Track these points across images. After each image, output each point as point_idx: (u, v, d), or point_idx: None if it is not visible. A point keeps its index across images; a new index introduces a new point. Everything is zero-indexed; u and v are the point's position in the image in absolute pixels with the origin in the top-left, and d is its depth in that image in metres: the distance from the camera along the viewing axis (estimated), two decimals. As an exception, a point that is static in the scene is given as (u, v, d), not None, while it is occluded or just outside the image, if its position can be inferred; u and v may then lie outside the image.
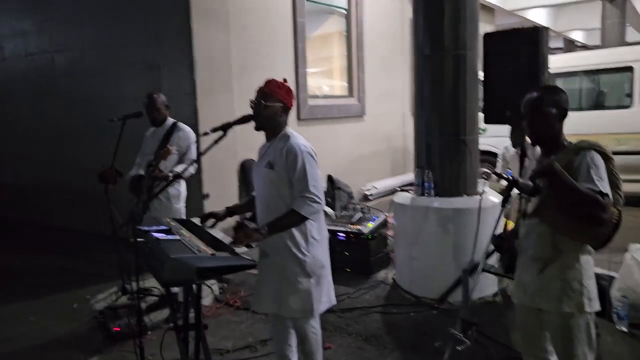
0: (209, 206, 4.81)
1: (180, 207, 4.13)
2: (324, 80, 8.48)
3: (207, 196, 4.92)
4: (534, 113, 2.14)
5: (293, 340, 3.02)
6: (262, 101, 2.67)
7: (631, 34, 15.54)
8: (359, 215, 4.97)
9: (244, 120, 2.70)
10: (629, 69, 6.89)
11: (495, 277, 4.15)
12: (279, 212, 2.66)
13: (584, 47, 20.17)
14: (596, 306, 2.11)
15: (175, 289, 4.31)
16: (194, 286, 2.64)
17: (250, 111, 2.73)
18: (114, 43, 6.28)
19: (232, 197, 6.08)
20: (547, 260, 2.12)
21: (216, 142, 2.62)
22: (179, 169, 4.11)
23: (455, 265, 3.99)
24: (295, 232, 2.68)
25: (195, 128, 4.78)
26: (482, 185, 4.42)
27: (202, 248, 2.43)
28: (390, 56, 9.44)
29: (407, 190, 4.50)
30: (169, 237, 2.59)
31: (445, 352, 1.97)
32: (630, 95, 7.00)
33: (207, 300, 4.42)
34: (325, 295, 2.84)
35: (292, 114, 3.56)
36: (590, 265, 2.13)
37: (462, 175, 4.10)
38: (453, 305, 4.00)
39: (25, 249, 6.44)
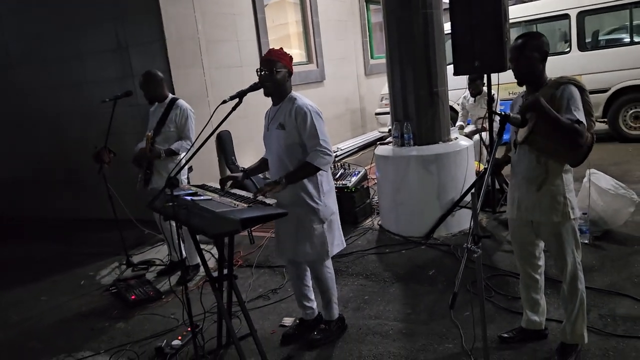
0: (193, 177, 5.05)
1: (182, 179, 4.35)
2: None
3: (190, 169, 5.13)
4: (520, 57, 2.54)
5: (309, 281, 3.40)
6: (273, 68, 2.93)
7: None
8: (341, 171, 5.35)
9: (255, 87, 2.96)
10: (566, 17, 7.49)
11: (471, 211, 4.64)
12: (293, 167, 2.98)
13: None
14: (577, 213, 2.59)
15: (183, 255, 4.61)
16: (226, 239, 2.97)
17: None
18: (74, 27, 6.25)
19: (211, 167, 6.32)
20: (537, 179, 2.56)
21: (233, 109, 2.87)
22: (174, 146, 4.34)
23: (438, 204, 4.45)
24: (308, 184, 3.02)
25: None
26: (453, 132, 4.87)
27: (236, 203, 2.73)
28: (342, 20, 9.73)
29: (386, 144, 4.87)
30: (201, 197, 2.88)
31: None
32: (567, 41, 7.63)
33: (210, 262, 4.71)
34: (338, 238, 3.23)
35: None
36: (570, 181, 2.59)
37: (437, 124, 4.52)
38: (438, 240, 4.48)
39: (13, 240, 6.49)
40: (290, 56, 3.04)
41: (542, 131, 2.44)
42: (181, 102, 4.37)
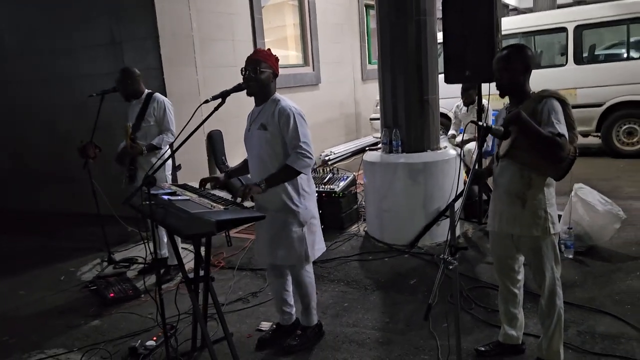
0: (181, 176, 5.01)
1: (166, 175, 4.32)
2: (279, 50, 8.65)
3: (179, 167, 5.10)
4: (503, 69, 2.51)
5: (289, 286, 3.35)
6: (257, 67, 2.89)
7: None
8: (329, 175, 5.32)
9: (239, 88, 2.93)
10: (563, 30, 7.49)
11: (458, 222, 4.61)
12: (274, 169, 2.94)
13: (516, 10, 21.06)
14: (558, 228, 2.55)
15: (165, 254, 4.55)
16: (203, 240, 2.93)
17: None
18: (68, 20, 6.21)
19: (200, 166, 6.27)
20: (518, 193, 2.53)
21: (216, 109, 2.83)
22: (155, 141, 4.31)
23: (424, 213, 4.42)
24: (288, 186, 2.97)
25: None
26: (443, 141, 4.84)
27: (213, 204, 2.69)
28: (340, 24, 9.71)
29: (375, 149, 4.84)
30: (179, 197, 2.84)
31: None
32: (564, 54, 7.62)
33: (191, 263, 4.65)
34: (318, 242, 3.18)
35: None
36: (552, 195, 2.56)
37: (426, 132, 4.50)
38: (422, 249, 4.45)
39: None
40: (276, 57, 3.00)
41: (523, 145, 2.41)
42: (158, 95, 4.35)
